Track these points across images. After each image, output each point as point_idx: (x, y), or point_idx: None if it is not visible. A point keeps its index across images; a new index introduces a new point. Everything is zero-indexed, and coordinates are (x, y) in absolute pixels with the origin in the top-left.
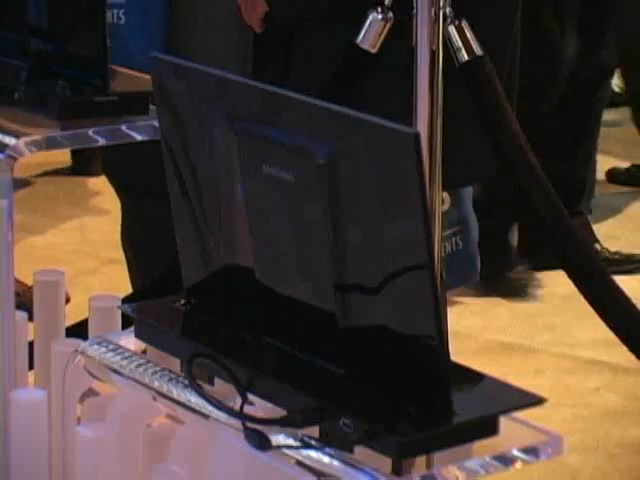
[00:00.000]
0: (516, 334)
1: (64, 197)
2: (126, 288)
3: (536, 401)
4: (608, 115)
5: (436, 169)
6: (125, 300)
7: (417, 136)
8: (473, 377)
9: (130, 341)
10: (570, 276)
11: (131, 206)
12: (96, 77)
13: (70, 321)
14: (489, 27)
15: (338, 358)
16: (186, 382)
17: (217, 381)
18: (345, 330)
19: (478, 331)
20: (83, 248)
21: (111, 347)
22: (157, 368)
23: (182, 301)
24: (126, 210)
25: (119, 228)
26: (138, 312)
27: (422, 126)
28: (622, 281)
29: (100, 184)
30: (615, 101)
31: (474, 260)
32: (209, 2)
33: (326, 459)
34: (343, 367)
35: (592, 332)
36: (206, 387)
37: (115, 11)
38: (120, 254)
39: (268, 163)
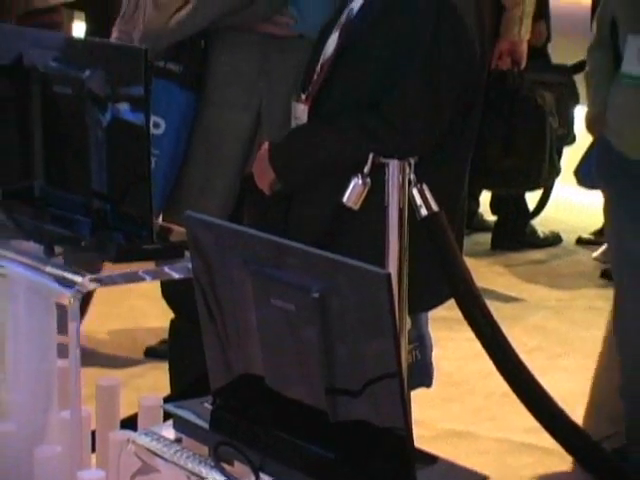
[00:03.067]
0: (465, 423)
1: (118, 314)
2: (167, 389)
3: (481, 478)
4: (536, 255)
5: (403, 299)
6: (166, 400)
7: (389, 276)
8: (433, 460)
9: (170, 432)
10: (506, 380)
11: (180, 325)
12: (144, 230)
13: (124, 415)
14: (444, 188)
15: (329, 445)
16: (213, 464)
17: (236, 463)
18: (334, 424)
19: (435, 421)
20: (134, 356)
21: (155, 437)
22: (190, 453)
23: (209, 401)
24: (175, 328)
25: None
26: (176, 409)
27: (392, 267)
28: (548, 382)
29: (148, 306)
30: (540, 244)
31: (429, 368)
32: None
33: None
34: (333, 452)
35: (524, 421)
36: (228, 468)
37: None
38: (163, 363)
39: (275, 296)
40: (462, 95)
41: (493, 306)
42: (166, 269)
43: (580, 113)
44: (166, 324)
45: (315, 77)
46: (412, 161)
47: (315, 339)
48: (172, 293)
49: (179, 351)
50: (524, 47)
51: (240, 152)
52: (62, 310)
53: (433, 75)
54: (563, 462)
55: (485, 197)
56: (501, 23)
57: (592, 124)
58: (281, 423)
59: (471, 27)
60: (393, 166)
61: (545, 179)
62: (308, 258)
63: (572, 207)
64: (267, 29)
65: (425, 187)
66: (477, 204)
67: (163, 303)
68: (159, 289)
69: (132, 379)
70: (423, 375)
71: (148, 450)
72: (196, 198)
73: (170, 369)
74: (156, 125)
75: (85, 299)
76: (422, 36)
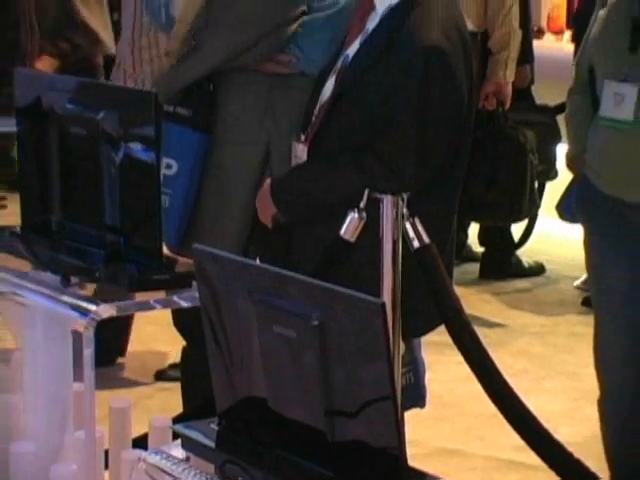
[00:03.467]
0: (455, 442)
1: (133, 341)
2: (175, 410)
3: None
4: (521, 284)
5: (397, 325)
6: (175, 420)
7: (383, 305)
8: (424, 477)
9: (178, 451)
10: (493, 401)
11: (190, 352)
12: (154, 262)
13: (135, 435)
14: (435, 222)
15: (328, 464)
16: None
17: None
18: (333, 444)
19: (427, 439)
20: (144, 378)
21: (165, 456)
22: (198, 471)
23: (215, 422)
24: (186, 354)
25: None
26: (184, 430)
27: (387, 296)
28: (533, 403)
29: (157, 331)
30: (525, 274)
31: (422, 390)
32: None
33: None
34: (331, 471)
35: (511, 440)
36: None
37: (165, 197)
38: (171, 384)
39: (277, 323)
40: (451, 135)
41: (481, 332)
42: (175, 298)
43: (563, 150)
44: (174, 349)
45: (314, 119)
46: (405, 196)
47: (314, 364)
48: (183, 322)
49: (190, 376)
50: (509, 89)
51: (251, 187)
52: (77, 336)
53: (423, 118)
54: (548, 478)
55: (473, 229)
56: (487, 66)
57: (572, 163)
58: (283, 443)
59: (459, 72)
60: (387, 201)
61: (526, 212)
62: (308, 288)
63: (555, 239)
64: (270, 68)
65: (417, 221)
66: (466, 236)
67: (171, 329)
68: (168, 316)
69: (142, 400)
70: (417, 396)
71: (158, 468)
72: (209, 233)
73: (182, 393)
74: (168, 166)
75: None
76: (412, 82)
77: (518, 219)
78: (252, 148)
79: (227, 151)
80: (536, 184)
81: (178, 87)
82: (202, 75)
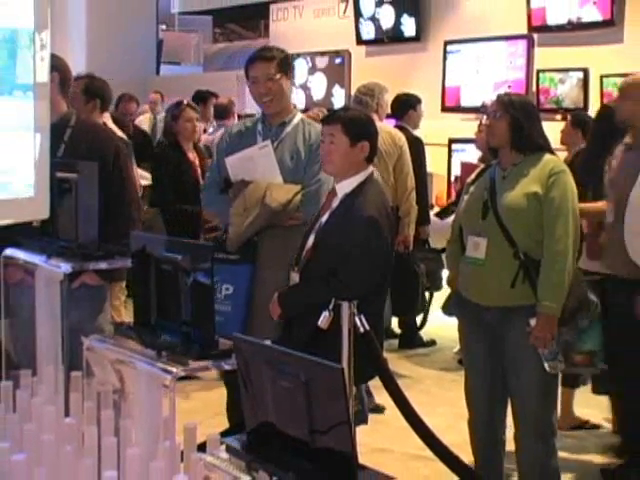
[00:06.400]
0: (385, 444)
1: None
2: (223, 427)
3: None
4: (422, 351)
5: (351, 378)
6: (223, 434)
7: (342, 369)
8: (366, 469)
9: (224, 454)
10: (406, 420)
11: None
12: (210, 342)
13: (198, 442)
14: (372, 317)
15: (311, 461)
16: (247, 472)
17: (260, 471)
18: (313, 450)
19: (368, 442)
20: (205, 410)
21: (216, 456)
22: (235, 465)
23: (245, 436)
24: (229, 397)
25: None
26: (228, 440)
27: (345, 362)
28: (430, 421)
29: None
30: (425, 345)
31: (366, 414)
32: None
33: None
34: (312, 464)
35: (418, 442)
36: (255, 474)
37: (228, 306)
38: (222, 410)
39: (281, 379)
40: (382, 268)
41: (399, 380)
42: (222, 364)
43: (446, 274)
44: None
45: (302, 258)
46: (355, 302)
47: (303, 402)
48: (228, 380)
49: (231, 408)
50: (411, 239)
51: None
52: (165, 387)
53: (366, 258)
54: (439, 466)
55: (395, 319)
56: (399, 226)
57: (450, 282)
58: (284, 448)
59: (386, 232)
60: (345, 305)
61: (419, 311)
62: (298, 359)
63: (441, 325)
64: (288, 223)
65: (362, 316)
66: (389, 323)
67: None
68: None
69: (204, 420)
70: (362, 418)
71: (212, 464)
72: (262, 321)
73: (228, 419)
74: (227, 289)
75: None
76: (359, 239)
77: (416, 314)
78: (282, 270)
79: (266, 273)
80: (427, 295)
81: (244, 238)
82: (254, 232)
